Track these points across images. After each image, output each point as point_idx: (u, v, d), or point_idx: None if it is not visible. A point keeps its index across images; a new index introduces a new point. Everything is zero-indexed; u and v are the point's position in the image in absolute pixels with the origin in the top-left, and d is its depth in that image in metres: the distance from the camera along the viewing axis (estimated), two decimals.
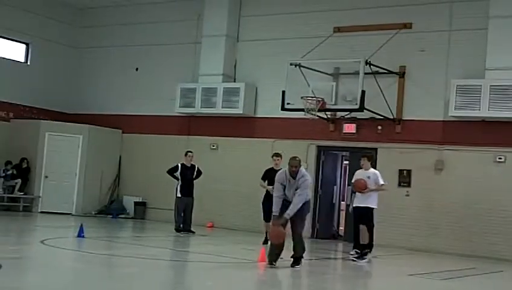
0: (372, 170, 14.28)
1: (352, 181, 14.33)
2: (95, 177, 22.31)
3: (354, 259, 13.81)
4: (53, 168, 21.74)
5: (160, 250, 14.29)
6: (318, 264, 13.50)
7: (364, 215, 13.92)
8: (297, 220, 11.81)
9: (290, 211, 11.52)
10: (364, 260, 13.80)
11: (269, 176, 15.06)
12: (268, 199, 14.46)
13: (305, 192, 11.77)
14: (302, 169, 11.97)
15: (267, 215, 14.52)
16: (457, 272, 13.40)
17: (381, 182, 13.99)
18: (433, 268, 13.77)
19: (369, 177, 13.96)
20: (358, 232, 13.97)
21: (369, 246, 14.02)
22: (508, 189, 17.00)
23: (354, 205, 14.18)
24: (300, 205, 11.67)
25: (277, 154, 15.59)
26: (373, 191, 13.96)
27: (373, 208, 14.03)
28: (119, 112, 23.02)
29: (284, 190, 11.78)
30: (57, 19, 23.61)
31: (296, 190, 11.67)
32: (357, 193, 14.10)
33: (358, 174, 14.21)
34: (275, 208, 11.72)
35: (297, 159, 11.92)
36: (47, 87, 23.24)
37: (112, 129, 22.90)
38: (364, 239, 13.94)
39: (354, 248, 14.16)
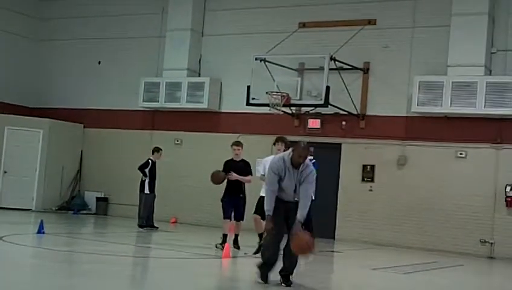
0: None
1: (262, 171, 12.49)
2: (55, 173, 22.07)
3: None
4: (13, 163, 21.44)
5: (122, 246, 14.15)
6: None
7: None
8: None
9: (302, 212, 9.31)
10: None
11: (228, 168, 13.64)
12: (228, 193, 13.60)
13: (313, 187, 9.68)
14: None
15: (227, 212, 13.56)
16: (419, 266, 13.56)
17: None
18: (396, 262, 13.91)
19: None
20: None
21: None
22: (468, 184, 17.24)
23: (261, 194, 12.36)
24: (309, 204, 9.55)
25: (237, 143, 13.87)
26: None
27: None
28: (81, 106, 22.78)
29: (279, 182, 9.46)
30: (18, 11, 23.23)
31: (300, 184, 9.43)
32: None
33: (269, 161, 11.92)
34: (268, 206, 9.43)
35: (309, 147, 9.63)
36: (7, 81, 22.87)
37: (73, 123, 22.67)
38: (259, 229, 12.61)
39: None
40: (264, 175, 11.80)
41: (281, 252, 9.52)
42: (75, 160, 22.74)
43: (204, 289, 9.51)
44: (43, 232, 14.09)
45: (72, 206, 22.00)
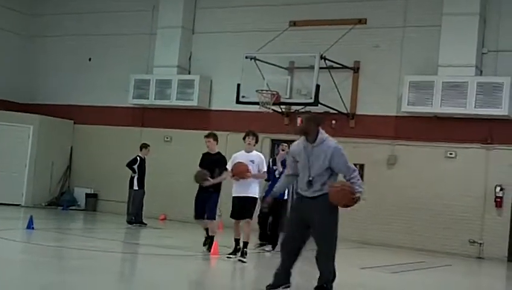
0: (256, 152, 12.04)
1: (229, 166, 11.96)
2: (45, 169, 21.99)
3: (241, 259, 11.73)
4: (2, 159, 21.30)
5: (111, 242, 14.13)
6: (271, 256, 13.48)
7: (245, 207, 11.72)
8: (324, 223, 8.35)
9: (355, 185, 8.30)
10: (244, 259, 11.69)
11: (204, 161, 12.73)
12: (199, 189, 12.60)
13: (345, 162, 8.30)
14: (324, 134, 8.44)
15: (197, 212, 12.57)
16: (407, 266, 13.57)
17: (264, 169, 11.96)
18: (384, 261, 13.91)
19: (252, 161, 11.76)
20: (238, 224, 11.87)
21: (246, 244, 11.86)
22: (457, 184, 17.27)
23: (233, 195, 11.93)
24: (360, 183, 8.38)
25: (208, 135, 12.86)
26: (253, 179, 11.79)
27: (256, 198, 11.95)
28: (71, 102, 22.68)
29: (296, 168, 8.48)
30: (8, 7, 23.08)
31: (312, 163, 8.23)
32: (235, 181, 11.82)
33: (239, 156, 11.88)
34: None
35: (313, 117, 8.54)
36: None
37: (63, 120, 22.57)
38: (246, 236, 11.79)
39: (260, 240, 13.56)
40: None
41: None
42: (64, 156, 22.65)
43: (191, 284, 9.48)
44: (33, 228, 14.07)
45: (61, 202, 21.91)
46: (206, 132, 13.18)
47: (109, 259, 11.36)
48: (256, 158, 11.78)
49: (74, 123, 22.78)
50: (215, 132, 13.15)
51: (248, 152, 11.85)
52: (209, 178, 12.30)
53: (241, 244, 11.78)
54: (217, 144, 12.71)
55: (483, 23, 17.36)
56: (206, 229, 12.63)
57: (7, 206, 20.60)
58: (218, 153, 12.68)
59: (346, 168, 8.33)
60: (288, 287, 8.51)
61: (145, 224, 17.42)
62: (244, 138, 11.95)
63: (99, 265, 10.37)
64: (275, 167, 13.89)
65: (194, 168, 20.16)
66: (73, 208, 21.76)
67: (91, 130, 22.33)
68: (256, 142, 11.97)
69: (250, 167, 11.62)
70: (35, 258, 10.90)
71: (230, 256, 11.75)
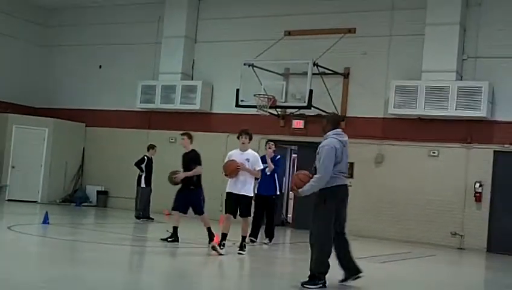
0: (251, 151, 11.49)
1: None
2: (59, 168, 22.01)
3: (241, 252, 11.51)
4: (20, 159, 21.36)
5: (121, 236, 14.17)
6: (269, 249, 13.53)
7: (241, 205, 11.34)
8: (313, 216, 8.63)
9: (307, 187, 8.55)
10: (243, 253, 11.46)
11: (183, 160, 12.69)
12: (183, 188, 12.49)
13: (322, 165, 8.44)
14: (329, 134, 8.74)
15: (175, 204, 12.53)
16: (394, 256, 13.61)
17: (260, 167, 11.50)
18: (373, 252, 13.92)
19: (248, 159, 11.27)
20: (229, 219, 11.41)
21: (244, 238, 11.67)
22: (440, 181, 17.31)
23: (228, 191, 11.43)
24: (312, 187, 8.48)
25: (183, 134, 12.85)
26: (248, 177, 11.36)
27: (251, 197, 11.59)
28: (83, 106, 22.73)
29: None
30: (25, 19, 23.18)
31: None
32: (229, 179, 11.38)
33: (234, 155, 11.41)
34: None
35: (329, 116, 9.07)
36: (15, 83, 22.81)
37: (76, 123, 22.61)
38: (244, 231, 11.58)
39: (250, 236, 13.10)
40: None
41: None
42: (77, 156, 22.68)
43: (193, 273, 9.53)
44: (48, 223, 14.09)
45: (74, 198, 21.92)
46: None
47: (119, 251, 11.38)
48: (251, 157, 11.32)
49: (86, 126, 22.80)
50: (191, 132, 13.15)
51: (243, 151, 11.37)
52: (178, 171, 12.35)
53: (240, 238, 11.66)
54: (191, 142, 12.68)
55: (463, 32, 17.40)
56: (175, 227, 12.45)
57: (25, 203, 20.63)
58: (192, 150, 12.65)
59: (319, 166, 8.49)
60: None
61: (152, 219, 17.45)
62: (238, 137, 11.47)
63: (109, 257, 10.40)
64: (264, 165, 13.13)
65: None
66: (86, 204, 21.78)
67: (102, 132, 22.36)
68: (250, 140, 11.45)
69: (246, 165, 11.22)
70: (51, 250, 10.93)
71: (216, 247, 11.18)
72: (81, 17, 23.28)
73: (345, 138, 8.79)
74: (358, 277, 8.79)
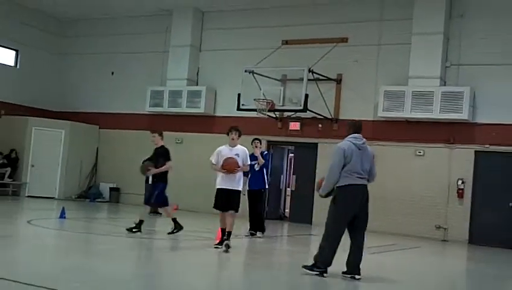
0: (240, 146, 10.90)
1: (214, 160, 10.76)
2: (75, 166, 22.02)
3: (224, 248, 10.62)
4: (39, 158, 21.37)
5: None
6: (266, 241, 13.50)
7: (231, 200, 10.68)
8: (328, 212, 8.82)
9: (323, 186, 8.81)
10: (225, 248, 10.56)
11: (153, 154, 12.62)
12: (147, 183, 12.48)
13: (331, 164, 8.66)
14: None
15: (144, 198, 12.51)
16: (382, 248, 13.58)
17: (249, 162, 10.99)
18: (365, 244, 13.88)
19: (237, 155, 10.72)
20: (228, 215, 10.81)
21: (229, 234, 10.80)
22: (425, 178, 17.30)
23: (218, 187, 10.78)
24: (324, 185, 8.72)
25: (152, 131, 12.73)
26: (240, 172, 10.81)
27: (240, 191, 10.93)
28: (96, 110, 22.73)
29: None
30: (43, 29, 23.21)
31: None
32: (221, 174, 10.70)
33: (223, 150, 10.79)
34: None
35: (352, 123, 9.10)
36: (34, 89, 22.84)
37: (90, 125, 22.61)
38: (229, 226, 10.75)
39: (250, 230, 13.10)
40: (214, 164, 10.73)
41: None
42: (91, 156, 22.68)
43: (196, 264, 9.50)
44: (64, 217, 14.08)
45: (89, 195, 21.92)
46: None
47: (132, 244, 11.35)
48: (240, 152, 10.74)
49: (99, 128, 22.80)
50: (162, 130, 13.11)
51: (232, 146, 10.73)
52: (151, 168, 12.27)
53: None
54: (162, 139, 12.59)
55: (446, 41, 17.39)
56: (141, 221, 12.16)
57: (43, 199, 20.64)
58: (162, 146, 12.54)
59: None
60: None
61: (160, 214, 17.38)
62: (227, 134, 10.84)
63: (121, 249, 10.37)
64: (253, 162, 12.81)
65: (201, 166, 20.33)
66: (99, 200, 21.77)
67: (114, 134, 22.35)
68: (239, 136, 10.82)
69: (240, 163, 10.65)
70: (67, 243, 10.92)
71: (218, 246, 10.80)
72: (94, 28, 23.28)
73: (360, 141, 8.83)
74: (354, 278, 8.56)
